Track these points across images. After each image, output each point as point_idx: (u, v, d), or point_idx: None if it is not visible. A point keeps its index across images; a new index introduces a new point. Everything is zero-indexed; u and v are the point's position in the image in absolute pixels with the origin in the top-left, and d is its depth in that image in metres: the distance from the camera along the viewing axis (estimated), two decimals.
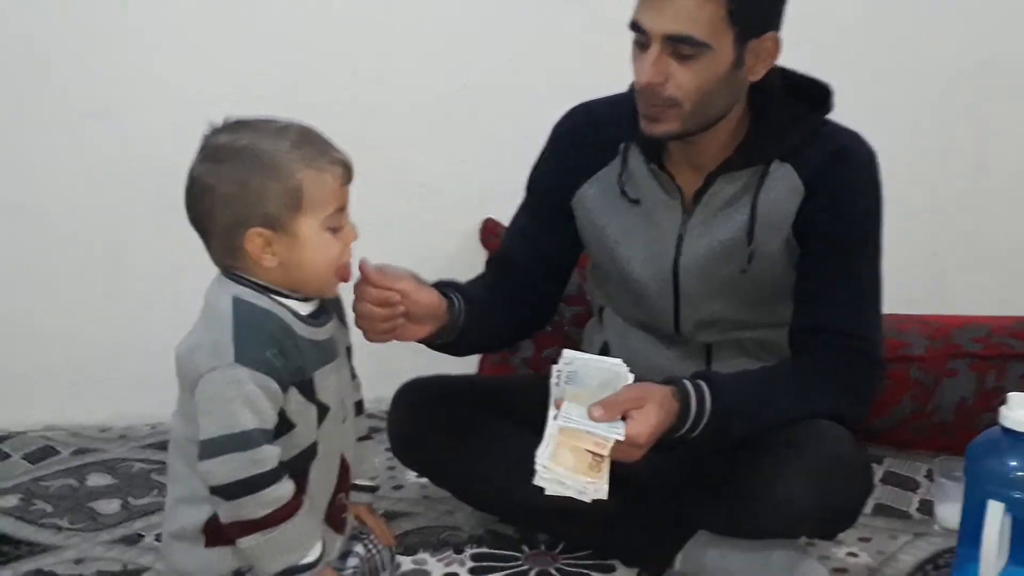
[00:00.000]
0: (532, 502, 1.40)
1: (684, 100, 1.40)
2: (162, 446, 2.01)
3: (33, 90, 2.01)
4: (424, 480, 1.79)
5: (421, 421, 1.60)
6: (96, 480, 1.87)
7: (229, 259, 1.22)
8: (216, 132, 1.21)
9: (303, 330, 1.23)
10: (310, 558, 1.23)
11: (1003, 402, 1.44)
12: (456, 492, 1.69)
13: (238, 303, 1.20)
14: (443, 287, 1.48)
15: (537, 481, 1.31)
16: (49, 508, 1.75)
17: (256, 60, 2.04)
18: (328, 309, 1.29)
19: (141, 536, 1.66)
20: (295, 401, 1.21)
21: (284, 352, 1.20)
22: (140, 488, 1.83)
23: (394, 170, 2.14)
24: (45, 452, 1.98)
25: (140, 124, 2.03)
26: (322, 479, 1.28)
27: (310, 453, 1.25)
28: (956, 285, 2.34)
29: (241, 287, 1.21)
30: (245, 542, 1.20)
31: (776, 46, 1.43)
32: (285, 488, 1.20)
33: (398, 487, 1.85)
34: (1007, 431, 1.42)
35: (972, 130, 2.31)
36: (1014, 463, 1.41)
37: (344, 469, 1.32)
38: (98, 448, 2.01)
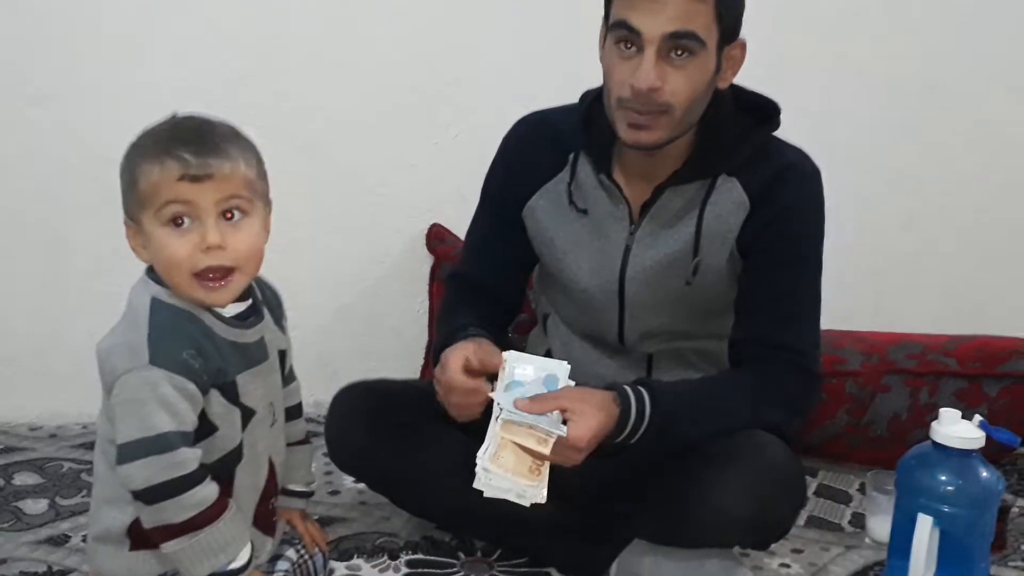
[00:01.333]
0: (470, 507, 1.40)
1: (677, 106, 1.38)
2: (93, 446, 1.96)
3: None
4: (361, 485, 1.77)
5: (358, 426, 1.59)
6: (23, 479, 1.82)
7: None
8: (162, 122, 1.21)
9: (225, 332, 1.21)
10: (238, 563, 1.20)
11: (935, 418, 1.47)
12: (393, 498, 1.67)
13: (156, 304, 1.18)
14: (472, 335, 1.47)
15: (477, 484, 1.31)
16: None
17: (203, 57, 2.01)
18: (259, 310, 1.27)
19: (68, 537, 1.63)
20: (217, 403, 1.20)
21: (202, 353, 1.17)
22: (69, 488, 1.79)
23: (343, 173, 2.13)
24: None
25: (83, 113, 1.98)
26: (248, 483, 1.26)
27: (235, 456, 1.23)
28: (892, 303, 2.39)
29: (161, 287, 1.20)
30: (168, 547, 1.18)
31: (743, 54, 1.44)
32: (208, 491, 1.18)
33: (335, 492, 1.84)
34: (938, 446, 1.45)
35: (914, 149, 2.35)
36: (944, 477, 1.44)
37: (272, 473, 1.31)
38: (27, 447, 1.96)
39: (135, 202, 1.17)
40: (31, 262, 2.03)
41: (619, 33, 1.37)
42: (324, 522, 1.70)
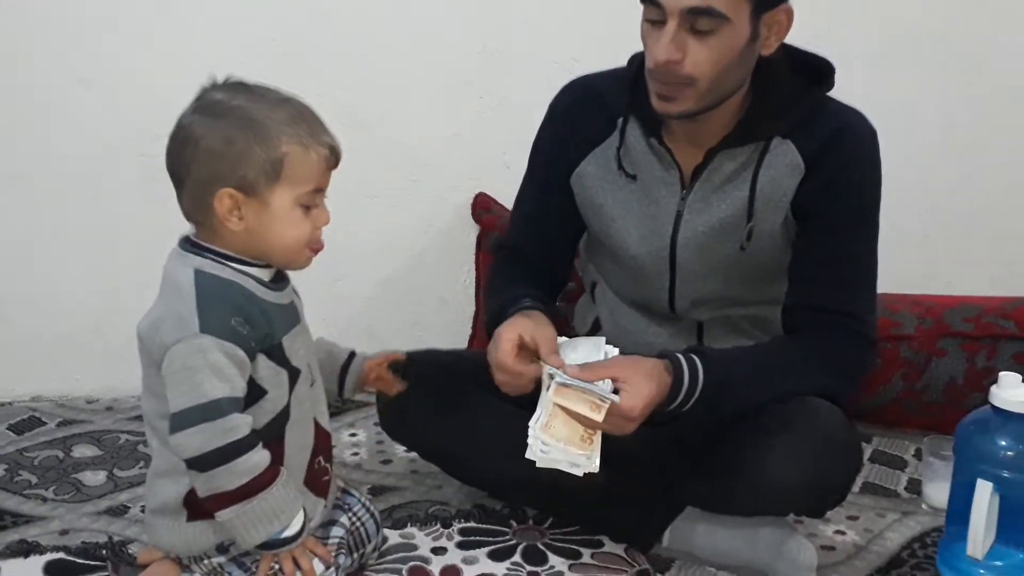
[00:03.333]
0: (521, 476, 1.40)
1: (701, 78, 1.37)
2: None
3: (23, 58, 1.98)
4: (413, 454, 1.78)
5: (410, 396, 1.59)
6: (82, 451, 1.85)
7: (197, 214, 1.22)
8: (214, 88, 1.22)
9: (268, 295, 1.24)
10: (291, 530, 1.23)
11: (994, 382, 1.44)
12: (444, 467, 1.68)
13: (200, 275, 1.20)
14: (525, 307, 1.47)
15: (529, 454, 1.31)
16: (34, 479, 1.74)
17: (249, 32, 2.01)
18: (284, 275, 1.29)
19: (127, 508, 1.65)
20: (265, 367, 1.22)
21: (249, 320, 1.20)
22: (126, 460, 1.82)
23: (387, 144, 2.12)
24: (31, 423, 1.97)
25: (128, 93, 2.00)
26: (298, 444, 1.28)
27: (283, 417, 1.25)
28: (947, 265, 2.34)
29: (202, 259, 1.22)
30: (223, 515, 1.20)
31: (788, 19, 1.41)
32: (260, 457, 1.19)
33: (386, 461, 1.85)
34: (997, 410, 1.43)
35: (968, 113, 2.30)
36: (1003, 442, 1.42)
37: (319, 433, 1.33)
38: (84, 419, 1.99)
39: (265, 175, 1.18)
40: (82, 240, 2.06)
41: (646, 7, 1.37)
42: (376, 491, 1.72)
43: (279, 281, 1.27)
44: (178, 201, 1.23)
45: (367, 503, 1.43)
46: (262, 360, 1.21)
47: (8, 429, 1.94)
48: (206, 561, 1.29)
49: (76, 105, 1.99)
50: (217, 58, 1.90)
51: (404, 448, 1.80)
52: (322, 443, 1.33)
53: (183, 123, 1.20)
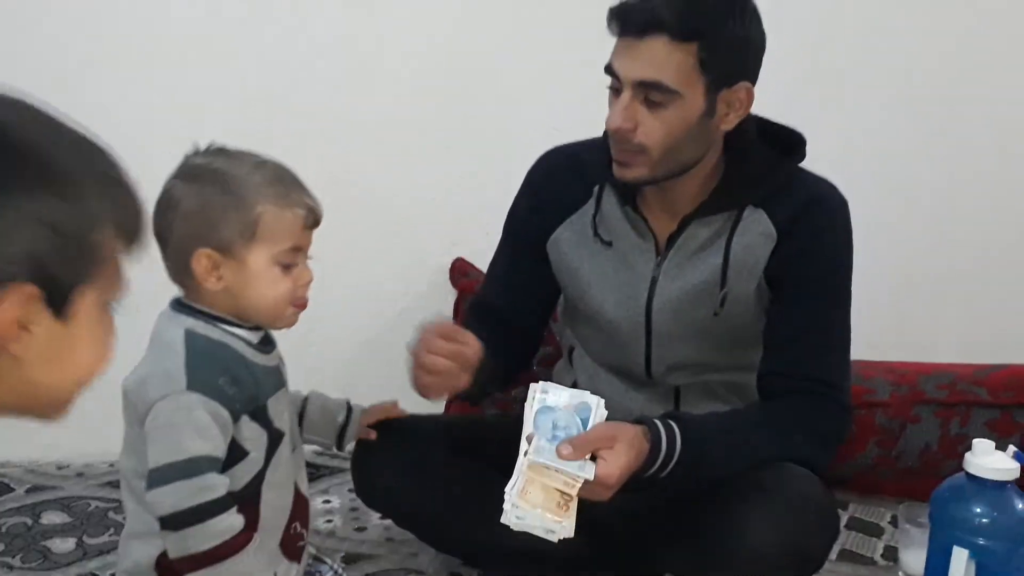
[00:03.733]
0: (497, 543, 1.39)
1: (652, 147, 1.41)
2: (120, 484, 1.97)
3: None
4: (387, 522, 1.76)
5: (384, 462, 1.58)
6: (51, 518, 1.82)
7: (179, 275, 1.24)
8: (196, 153, 1.24)
9: (255, 357, 1.25)
10: None
11: (968, 448, 1.45)
12: (419, 534, 1.66)
13: (190, 335, 1.21)
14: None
15: (504, 519, 1.30)
16: (1, 547, 1.71)
17: (230, 95, 2.03)
18: (271, 338, 1.30)
19: None
20: (248, 428, 1.22)
21: (237, 380, 1.21)
22: (96, 527, 1.79)
23: (365, 208, 2.14)
24: None
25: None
26: (276, 506, 1.28)
27: (260, 477, 1.25)
28: (919, 331, 2.36)
29: (194, 319, 1.23)
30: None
31: (748, 96, 1.45)
32: (233, 520, 1.18)
33: (361, 528, 1.83)
34: (971, 477, 1.43)
35: (938, 180, 2.34)
36: (978, 509, 1.41)
37: (298, 498, 1.32)
38: (54, 485, 1.96)
39: (241, 235, 1.20)
40: None
41: (609, 75, 1.42)
42: (350, 559, 1.69)
43: (267, 344, 1.28)
44: (164, 263, 1.25)
45: (340, 571, 1.42)
46: (246, 422, 1.22)
47: None
48: None
49: None
50: (196, 119, 1.94)
51: (379, 515, 1.78)
52: (300, 508, 1.33)
53: (166, 187, 1.23)
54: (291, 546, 1.31)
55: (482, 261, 2.06)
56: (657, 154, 1.41)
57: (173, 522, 1.16)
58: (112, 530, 1.77)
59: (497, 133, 2.16)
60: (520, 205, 1.65)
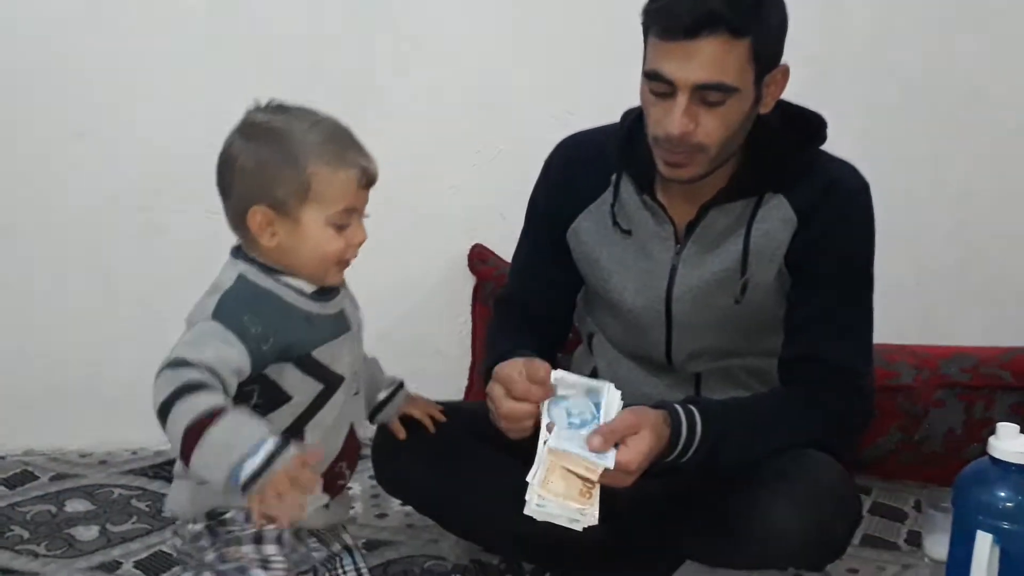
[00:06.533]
0: (518, 531, 1.39)
1: (712, 145, 1.38)
2: (143, 472, 1.99)
3: (18, 111, 1.99)
4: (408, 508, 1.76)
5: (405, 449, 1.58)
6: (75, 506, 1.83)
7: (237, 228, 1.27)
8: (257, 110, 1.27)
9: (307, 305, 1.26)
10: (257, 457, 1.09)
11: (992, 432, 1.43)
12: (440, 521, 1.66)
13: (241, 279, 1.24)
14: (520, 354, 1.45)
15: (527, 510, 1.30)
16: (26, 534, 1.72)
17: (247, 84, 2.02)
18: (333, 287, 1.32)
19: (119, 563, 1.64)
20: (292, 375, 1.24)
21: (271, 326, 1.21)
22: (119, 514, 1.81)
23: (384, 196, 2.11)
24: (23, 477, 1.95)
25: (129, 146, 2.01)
26: (328, 445, 1.29)
27: (302, 419, 1.26)
28: (941, 314, 2.35)
29: (248, 265, 1.26)
30: (192, 464, 1.12)
31: (785, 76, 1.43)
32: (212, 398, 1.12)
33: (382, 515, 1.83)
34: (996, 461, 1.41)
35: (960, 161, 2.32)
36: (1003, 494, 1.40)
37: (350, 439, 1.34)
38: (77, 474, 1.98)
39: (296, 195, 1.22)
40: (78, 292, 2.06)
41: (653, 81, 1.37)
42: (371, 545, 1.70)
43: (325, 292, 1.29)
44: (224, 213, 1.28)
45: (360, 565, 1.40)
46: (289, 368, 1.23)
47: (0, 483, 1.92)
48: (190, 527, 1.27)
49: (73, 159, 2.01)
50: (213, 110, 1.94)
51: (400, 502, 1.79)
52: (350, 450, 1.34)
53: (227, 143, 1.25)
54: (332, 483, 1.32)
55: (500, 247, 2.06)
56: (715, 151, 1.39)
57: (162, 411, 1.13)
58: (135, 518, 1.78)
59: (512, 118, 2.15)
60: (539, 196, 1.64)
